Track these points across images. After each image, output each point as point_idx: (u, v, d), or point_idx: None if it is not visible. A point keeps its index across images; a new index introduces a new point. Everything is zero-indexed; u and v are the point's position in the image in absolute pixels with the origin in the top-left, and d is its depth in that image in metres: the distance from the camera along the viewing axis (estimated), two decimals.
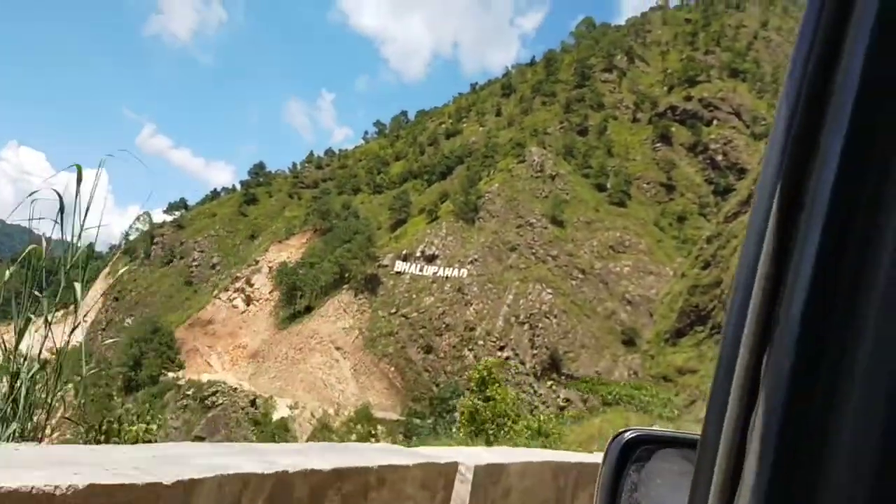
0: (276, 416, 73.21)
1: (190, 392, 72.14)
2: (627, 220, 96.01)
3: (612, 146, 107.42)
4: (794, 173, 0.52)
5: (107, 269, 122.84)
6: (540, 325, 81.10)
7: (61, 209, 3.73)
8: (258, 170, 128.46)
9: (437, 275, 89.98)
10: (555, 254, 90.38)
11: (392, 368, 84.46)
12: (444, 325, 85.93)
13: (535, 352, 79.25)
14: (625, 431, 1.55)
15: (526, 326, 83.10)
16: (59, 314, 3.84)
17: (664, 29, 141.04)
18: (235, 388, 73.60)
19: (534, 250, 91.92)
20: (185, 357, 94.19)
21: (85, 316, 3.91)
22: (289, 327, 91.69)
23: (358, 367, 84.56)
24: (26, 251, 3.76)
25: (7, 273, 3.58)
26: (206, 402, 70.90)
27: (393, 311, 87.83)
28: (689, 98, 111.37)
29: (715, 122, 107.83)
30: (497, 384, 16.00)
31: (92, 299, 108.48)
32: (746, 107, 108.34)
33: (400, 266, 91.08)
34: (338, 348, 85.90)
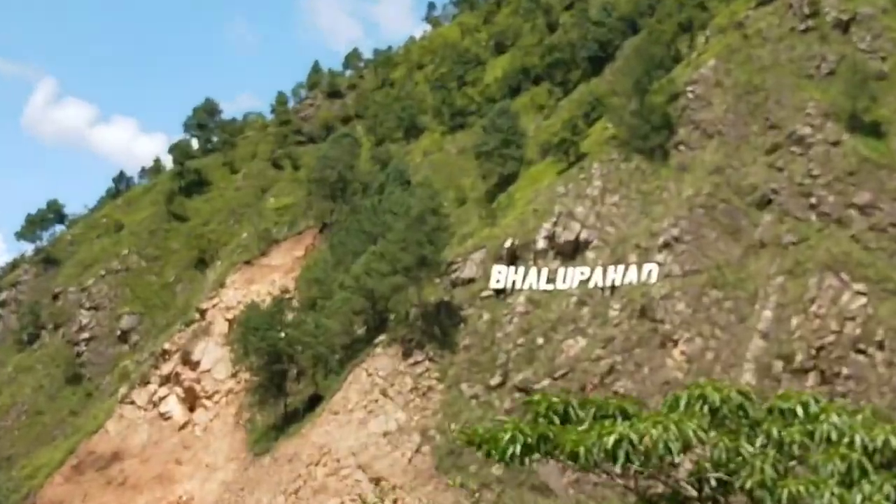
0: None
1: None
2: None
3: None
4: None
5: None
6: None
7: None
8: (206, 114, 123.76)
9: (591, 285, 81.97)
10: (864, 201, 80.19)
11: None
12: (618, 397, 77.38)
13: None
14: None
15: (812, 377, 74.07)
16: None
17: None
18: None
19: (814, 199, 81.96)
20: None
21: None
22: (274, 448, 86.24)
23: None
24: None
25: None
26: None
27: (495, 381, 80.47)
28: None
29: None
30: None
31: None
32: None
33: (501, 275, 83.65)
34: (376, 481, 79.30)
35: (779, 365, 76.12)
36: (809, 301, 76.43)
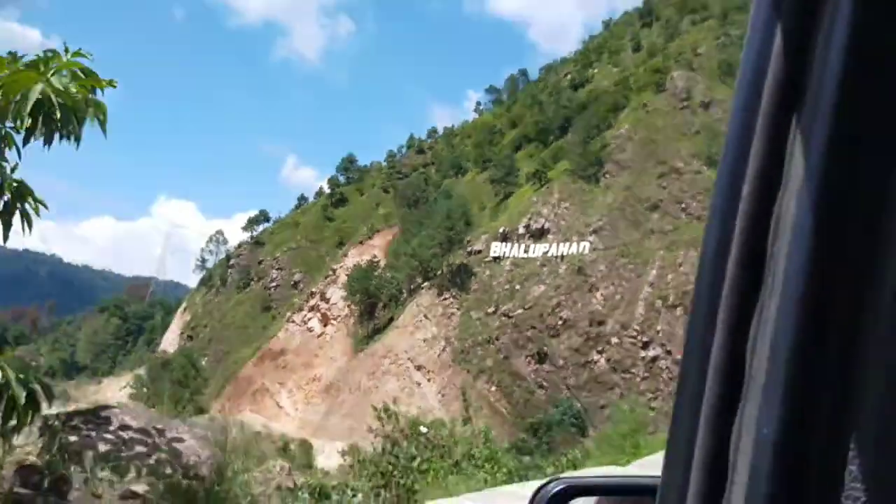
0: (321, 466, 57.75)
1: None
2: None
3: None
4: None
5: (183, 306, 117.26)
6: None
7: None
8: (347, 164, 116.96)
9: (549, 254, 71.95)
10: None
11: (493, 388, 67.52)
12: (561, 322, 67.97)
13: None
14: (551, 481, 1.40)
15: (679, 310, 63.20)
16: None
17: None
18: (258, 432, 59.47)
19: (683, 205, 72.01)
20: (250, 398, 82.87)
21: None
22: (366, 348, 77.36)
23: (446, 389, 68.08)
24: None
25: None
26: None
27: (490, 309, 70.86)
28: None
29: None
30: None
31: (169, 341, 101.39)
32: None
33: (497, 249, 74.26)
34: (418, 367, 70.09)
35: (659, 303, 65.82)
36: (678, 265, 65.76)
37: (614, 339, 65.85)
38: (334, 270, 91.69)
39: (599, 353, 66.11)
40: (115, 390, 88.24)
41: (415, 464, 11.42)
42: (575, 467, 14.61)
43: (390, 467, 11.41)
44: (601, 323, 66.85)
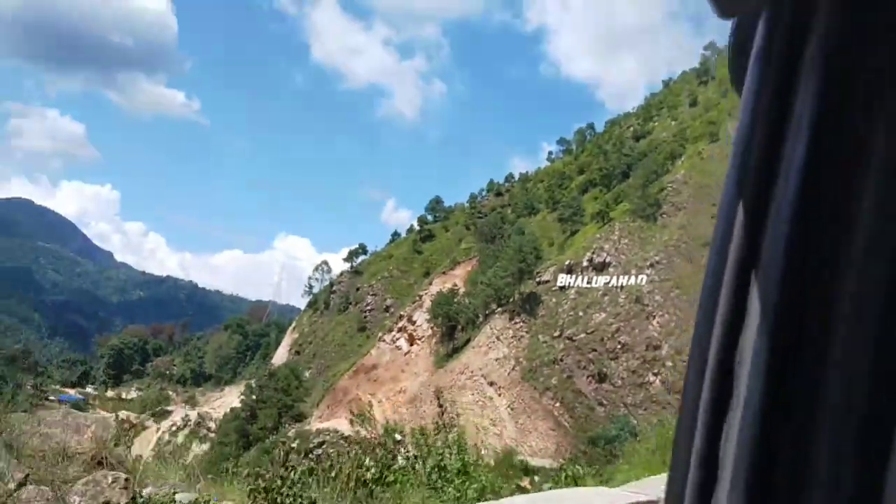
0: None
1: (295, 444, 61.63)
2: None
3: None
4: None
5: (293, 325, 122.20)
6: None
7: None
8: (435, 205, 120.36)
9: (610, 285, 72.42)
10: None
11: (557, 404, 68.03)
12: (620, 346, 68.13)
13: None
14: None
15: None
16: None
17: None
18: (347, 436, 62.05)
19: None
20: (344, 407, 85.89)
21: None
22: (446, 365, 79.33)
23: (515, 404, 69.16)
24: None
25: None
26: (311, 455, 59.80)
27: (556, 333, 71.77)
28: None
29: None
30: None
31: (280, 356, 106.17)
32: None
33: (563, 280, 75.14)
34: (491, 383, 71.46)
35: None
36: None
37: (668, 363, 65.61)
38: (420, 297, 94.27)
39: (655, 374, 65.99)
40: (234, 397, 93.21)
41: (368, 474, 8.95)
42: (576, 483, 12.84)
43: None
44: (657, 347, 66.83)
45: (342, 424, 67.12)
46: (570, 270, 76.16)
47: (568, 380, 68.89)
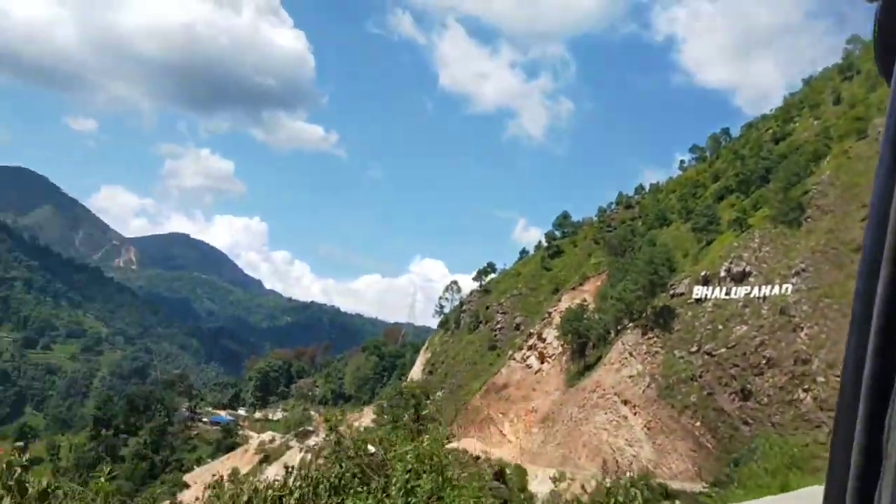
0: (534, 490, 58.82)
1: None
2: None
3: None
4: None
5: (425, 345, 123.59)
6: None
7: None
8: (562, 220, 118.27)
9: (751, 296, 68.03)
10: None
11: (697, 423, 64.43)
12: (764, 361, 63.90)
13: None
14: None
15: None
16: None
17: None
18: (478, 458, 61.47)
19: None
20: (476, 427, 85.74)
21: None
22: (577, 383, 77.37)
23: (652, 423, 66.16)
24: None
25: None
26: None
27: (693, 348, 68.19)
28: None
29: None
30: None
31: (414, 376, 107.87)
32: None
33: (699, 292, 71.35)
34: (625, 402, 68.82)
35: None
36: None
37: (820, 378, 60.50)
38: (550, 314, 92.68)
39: (805, 391, 61.00)
40: (372, 417, 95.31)
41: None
42: None
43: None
44: (805, 361, 61.86)
45: (470, 444, 66.89)
46: (706, 282, 72.24)
47: (708, 397, 65.11)
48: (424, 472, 7.12)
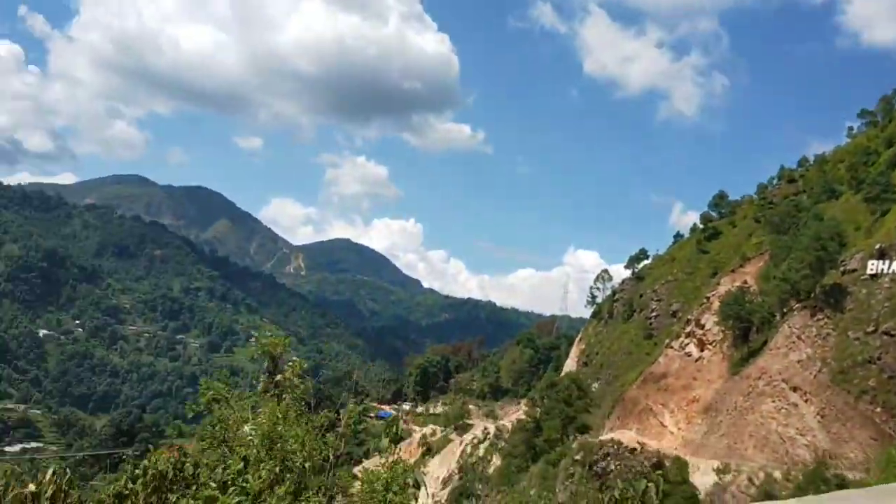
0: (697, 483, 56.88)
1: (579, 457, 60.83)
2: None
3: None
4: None
5: (579, 336, 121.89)
6: None
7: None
8: (718, 200, 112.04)
9: None
10: None
11: (878, 409, 58.97)
12: None
13: None
14: None
15: None
16: None
17: None
18: (634, 450, 59.92)
19: None
20: (635, 418, 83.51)
21: None
22: (741, 370, 73.33)
23: (826, 411, 61.45)
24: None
25: None
26: (595, 468, 58.52)
27: (870, 328, 62.50)
28: None
29: None
30: None
31: (568, 367, 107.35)
32: None
33: (874, 267, 65.17)
34: (794, 388, 64.43)
35: None
36: None
37: None
38: (708, 298, 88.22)
39: None
40: (524, 409, 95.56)
41: None
42: None
43: None
44: None
45: (626, 436, 65.36)
46: (882, 255, 65.79)
47: (889, 381, 59.32)
48: None
